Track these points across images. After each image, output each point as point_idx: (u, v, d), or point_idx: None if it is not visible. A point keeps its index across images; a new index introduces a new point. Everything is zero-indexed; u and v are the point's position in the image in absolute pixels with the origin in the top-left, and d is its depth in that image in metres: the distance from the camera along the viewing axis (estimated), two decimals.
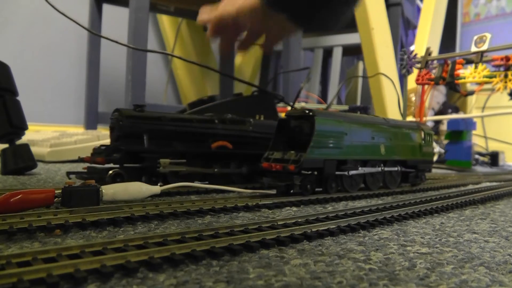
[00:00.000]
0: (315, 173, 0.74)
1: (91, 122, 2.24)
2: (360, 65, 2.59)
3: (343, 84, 2.77)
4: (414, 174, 0.94)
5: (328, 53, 2.83)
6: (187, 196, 0.75)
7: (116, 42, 1.24)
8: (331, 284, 0.32)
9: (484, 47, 1.31)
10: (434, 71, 1.45)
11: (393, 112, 1.96)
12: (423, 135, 0.95)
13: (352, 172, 0.77)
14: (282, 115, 0.91)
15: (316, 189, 0.75)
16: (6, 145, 1.02)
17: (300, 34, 2.06)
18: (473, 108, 2.89)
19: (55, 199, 0.55)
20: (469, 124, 1.76)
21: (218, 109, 1.21)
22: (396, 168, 0.87)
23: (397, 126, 0.89)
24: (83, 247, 0.35)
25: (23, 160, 1.00)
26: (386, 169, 0.85)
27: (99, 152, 0.77)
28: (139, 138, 0.78)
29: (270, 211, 0.62)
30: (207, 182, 0.82)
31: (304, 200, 0.69)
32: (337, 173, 0.75)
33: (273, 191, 0.74)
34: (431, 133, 0.98)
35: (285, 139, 0.78)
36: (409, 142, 0.91)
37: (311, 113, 0.73)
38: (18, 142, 1.03)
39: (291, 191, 0.71)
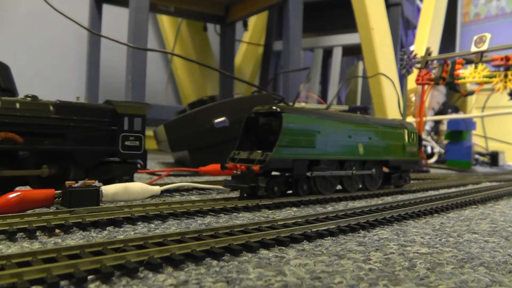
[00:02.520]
0: (286, 174, 0.69)
1: None
2: (360, 65, 2.59)
3: (343, 84, 2.77)
4: (397, 175, 0.89)
5: (328, 53, 2.84)
6: (187, 197, 0.75)
7: (116, 41, 1.24)
8: (331, 284, 0.32)
9: (484, 47, 1.31)
10: (434, 71, 1.45)
11: (393, 112, 1.96)
12: (407, 134, 0.91)
13: (316, 173, 0.71)
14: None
15: (288, 192, 0.71)
16: None
17: (300, 34, 2.06)
18: (473, 108, 2.89)
19: (55, 199, 0.55)
20: (469, 124, 1.76)
21: (218, 110, 1.21)
22: (370, 172, 0.81)
23: (378, 124, 0.84)
24: (83, 247, 0.35)
25: None
26: (357, 172, 0.78)
27: None
28: None
29: (270, 211, 0.62)
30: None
31: (304, 200, 0.68)
32: (308, 174, 0.70)
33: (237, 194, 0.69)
34: (415, 132, 0.94)
35: (253, 137, 0.73)
36: (391, 141, 0.86)
37: (278, 110, 0.68)
38: None
39: (257, 193, 0.65)
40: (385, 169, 0.89)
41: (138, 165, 0.77)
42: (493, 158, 2.07)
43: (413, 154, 0.92)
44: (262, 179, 0.64)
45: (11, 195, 0.51)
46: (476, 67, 1.33)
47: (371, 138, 0.81)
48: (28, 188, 0.64)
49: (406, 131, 0.91)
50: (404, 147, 0.89)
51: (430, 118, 2.14)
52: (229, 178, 0.69)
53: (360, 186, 0.82)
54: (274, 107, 0.68)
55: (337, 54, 2.62)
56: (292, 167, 0.67)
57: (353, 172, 0.78)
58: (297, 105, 1.60)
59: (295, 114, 0.69)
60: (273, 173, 0.70)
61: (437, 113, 2.54)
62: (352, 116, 0.80)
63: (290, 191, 0.71)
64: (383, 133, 0.84)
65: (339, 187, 0.78)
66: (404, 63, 1.49)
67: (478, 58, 1.32)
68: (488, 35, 1.31)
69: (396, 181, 0.89)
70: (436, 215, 0.64)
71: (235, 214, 0.59)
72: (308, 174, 0.70)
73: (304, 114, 0.70)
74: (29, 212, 0.53)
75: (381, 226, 0.54)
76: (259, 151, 0.67)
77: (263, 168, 0.63)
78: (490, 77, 1.30)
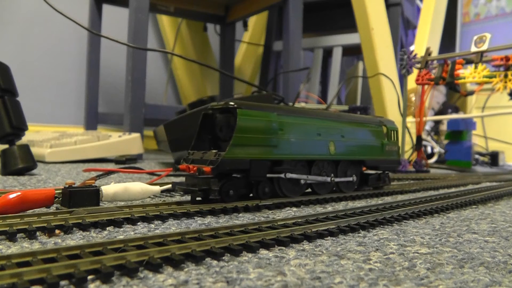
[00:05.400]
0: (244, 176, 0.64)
1: (91, 123, 2.24)
2: (360, 65, 2.60)
3: (343, 84, 2.77)
4: (375, 176, 0.84)
5: (328, 53, 2.84)
6: (187, 197, 0.75)
7: (116, 41, 1.24)
8: (331, 284, 0.32)
9: (484, 47, 1.31)
10: (434, 71, 1.45)
11: (393, 112, 1.96)
12: (386, 132, 0.85)
13: (290, 176, 0.66)
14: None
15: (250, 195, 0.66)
16: (6, 146, 1.02)
17: (300, 34, 2.06)
18: (473, 108, 2.90)
19: (55, 200, 0.55)
20: (469, 124, 1.76)
21: None
22: (351, 179, 0.77)
23: (353, 121, 0.79)
24: (83, 247, 0.35)
25: (23, 161, 1.00)
26: (336, 180, 0.74)
27: None
28: None
29: (270, 211, 0.62)
30: None
31: (304, 200, 0.68)
32: (269, 175, 0.65)
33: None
34: (395, 129, 0.88)
35: (210, 136, 0.68)
36: (368, 140, 0.81)
37: (235, 105, 0.63)
38: (18, 143, 1.03)
39: (209, 197, 0.61)
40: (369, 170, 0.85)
41: None
42: (493, 158, 2.07)
43: (393, 153, 0.87)
44: (214, 182, 0.59)
45: (11, 195, 0.51)
46: (476, 67, 1.33)
47: (344, 136, 0.76)
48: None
49: (385, 129, 0.85)
50: (383, 146, 0.84)
51: (430, 118, 2.14)
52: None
53: (334, 188, 0.77)
54: (231, 103, 0.63)
55: (337, 54, 2.62)
56: (250, 168, 0.62)
57: (332, 179, 0.73)
58: (297, 105, 1.60)
59: (253, 110, 0.63)
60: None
61: (437, 113, 2.55)
62: (322, 113, 0.75)
63: (252, 194, 0.66)
64: (358, 131, 0.79)
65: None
66: (404, 63, 1.49)
67: (478, 58, 1.32)
68: (488, 35, 1.31)
69: (374, 182, 0.84)
70: (436, 215, 0.64)
71: (235, 214, 0.59)
72: (282, 176, 0.65)
73: (263, 110, 0.65)
74: (29, 212, 0.53)
75: (381, 226, 0.54)
76: (214, 151, 0.62)
77: (215, 169, 0.58)
78: (490, 77, 1.30)
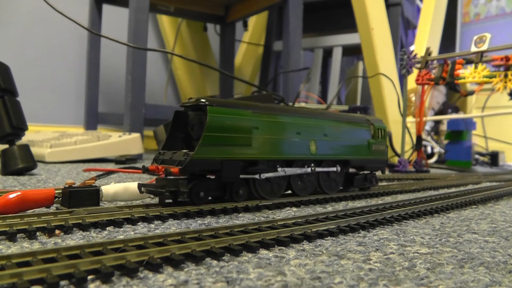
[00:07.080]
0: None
1: (91, 123, 2.24)
2: (360, 65, 2.60)
3: (343, 84, 2.77)
4: (361, 176, 0.81)
5: (328, 53, 2.84)
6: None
7: (116, 41, 1.24)
8: (331, 284, 0.32)
9: (484, 47, 1.31)
10: (434, 71, 1.45)
11: (393, 112, 1.96)
12: (373, 131, 0.83)
13: (266, 175, 0.63)
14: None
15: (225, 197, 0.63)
16: (6, 146, 1.02)
17: (300, 34, 2.06)
18: (473, 108, 2.90)
19: (55, 200, 0.55)
20: (469, 124, 1.77)
21: None
22: (335, 168, 0.73)
23: (337, 119, 0.76)
24: (83, 247, 0.35)
25: (23, 161, 1.00)
26: (319, 169, 0.71)
27: None
28: None
29: (270, 211, 0.62)
30: None
31: (304, 200, 0.68)
32: (243, 176, 0.62)
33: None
34: (383, 128, 0.85)
35: (182, 135, 0.65)
36: (354, 139, 0.78)
37: (206, 102, 0.59)
38: (18, 142, 1.03)
39: (178, 199, 0.58)
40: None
41: None
42: (493, 158, 2.07)
43: (380, 153, 0.84)
44: (183, 183, 0.56)
45: (11, 195, 0.51)
46: (476, 67, 1.33)
47: (327, 135, 0.73)
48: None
49: (372, 128, 0.82)
50: (369, 145, 0.81)
51: (430, 118, 2.14)
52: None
53: (317, 189, 0.74)
54: (202, 100, 0.59)
55: (337, 54, 2.62)
56: (221, 168, 0.59)
57: (313, 168, 0.69)
58: (297, 105, 1.60)
59: (225, 107, 0.60)
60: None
61: (437, 113, 2.55)
62: (303, 111, 0.71)
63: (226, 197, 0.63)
64: (343, 130, 0.76)
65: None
66: (404, 63, 1.49)
67: (478, 58, 1.32)
68: (488, 35, 1.31)
69: (360, 183, 0.81)
70: (436, 215, 0.64)
71: (235, 214, 0.59)
72: (257, 177, 0.62)
73: (236, 107, 0.62)
74: (29, 212, 0.53)
75: (381, 226, 0.54)
76: (184, 151, 0.59)
77: (182, 170, 0.55)
78: (490, 77, 1.30)
